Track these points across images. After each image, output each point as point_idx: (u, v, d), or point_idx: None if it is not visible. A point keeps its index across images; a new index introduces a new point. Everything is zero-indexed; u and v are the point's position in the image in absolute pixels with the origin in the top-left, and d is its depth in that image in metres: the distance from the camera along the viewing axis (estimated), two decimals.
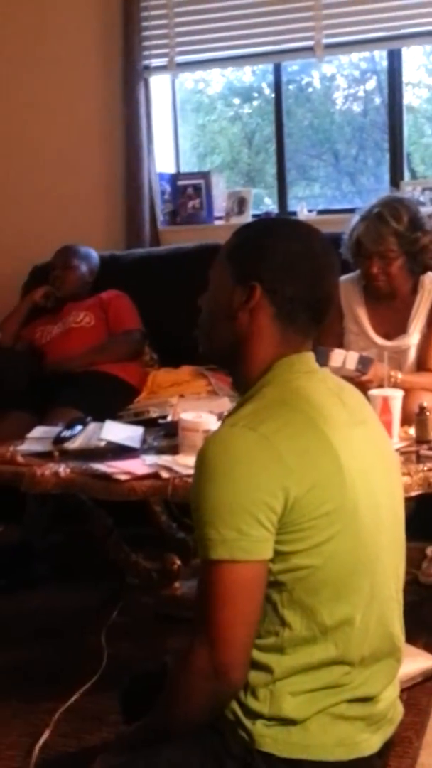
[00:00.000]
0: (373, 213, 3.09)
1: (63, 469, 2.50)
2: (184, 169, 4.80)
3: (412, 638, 2.47)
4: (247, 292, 1.49)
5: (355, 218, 3.18)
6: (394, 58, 4.31)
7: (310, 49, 4.23)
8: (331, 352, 2.74)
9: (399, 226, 3.06)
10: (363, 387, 2.65)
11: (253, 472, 1.34)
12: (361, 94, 4.83)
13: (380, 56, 4.46)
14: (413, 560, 2.99)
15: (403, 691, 2.24)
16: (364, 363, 2.79)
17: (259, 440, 1.36)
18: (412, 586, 2.90)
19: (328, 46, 4.21)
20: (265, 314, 1.49)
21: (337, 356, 2.76)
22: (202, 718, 1.42)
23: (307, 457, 1.37)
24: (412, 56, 4.51)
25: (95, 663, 2.64)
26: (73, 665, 2.68)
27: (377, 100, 4.65)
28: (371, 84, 4.75)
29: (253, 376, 1.50)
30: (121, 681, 1.86)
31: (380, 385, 2.74)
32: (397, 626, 1.53)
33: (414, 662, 2.37)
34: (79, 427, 2.78)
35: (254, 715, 1.41)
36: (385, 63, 4.37)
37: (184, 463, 2.40)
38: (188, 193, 4.54)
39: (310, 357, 1.54)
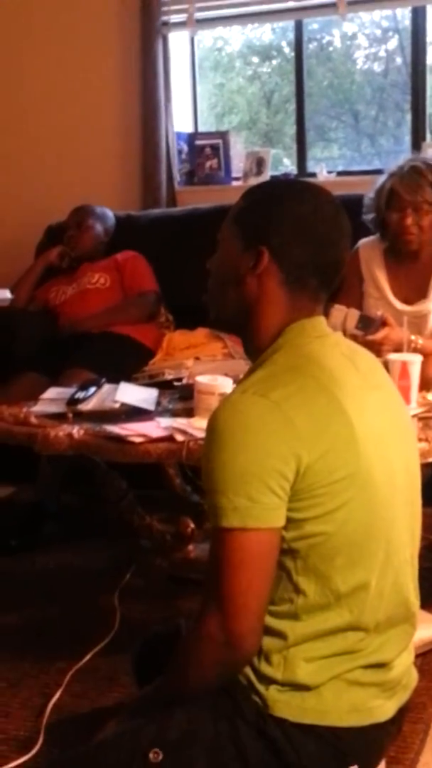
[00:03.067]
0: (407, 167, 3.07)
1: (77, 431, 2.48)
2: (201, 128, 4.73)
3: (427, 604, 2.47)
4: (255, 257, 1.46)
5: (383, 177, 3.15)
6: (418, 16, 4.21)
7: (332, 5, 4.13)
8: (332, 309, 2.69)
9: None
10: (377, 350, 2.63)
11: (264, 439, 1.32)
12: (382, 53, 4.74)
13: (402, 15, 4.36)
14: (429, 526, 2.96)
15: (417, 656, 2.24)
16: (365, 322, 2.73)
17: (270, 407, 1.34)
18: (429, 552, 2.88)
19: (351, 3, 4.12)
20: (273, 279, 1.47)
21: (338, 313, 2.71)
22: (214, 683, 1.42)
23: (320, 424, 1.35)
24: None
25: (108, 624, 2.65)
26: (86, 626, 2.69)
27: (398, 60, 4.56)
28: (393, 43, 4.65)
29: (264, 342, 1.48)
30: (134, 643, 1.85)
31: (398, 350, 2.71)
32: (412, 592, 1.52)
33: (429, 628, 2.36)
34: (93, 389, 2.76)
35: (268, 681, 1.41)
36: (407, 22, 4.29)
37: (199, 426, 2.38)
38: (206, 153, 4.49)
39: (321, 321, 1.51)
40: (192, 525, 2.92)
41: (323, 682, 1.39)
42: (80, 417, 2.62)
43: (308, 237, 1.46)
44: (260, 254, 1.46)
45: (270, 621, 1.39)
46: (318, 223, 1.46)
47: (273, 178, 4.34)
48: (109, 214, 4.16)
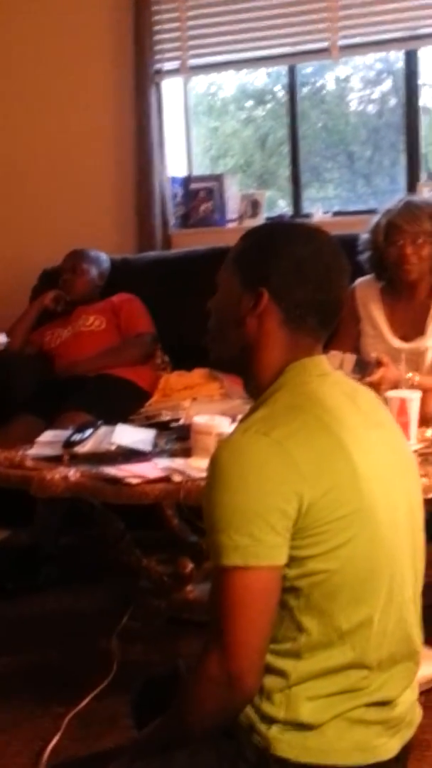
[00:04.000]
0: (403, 203, 3.12)
1: (73, 473, 2.47)
2: (196, 172, 4.78)
3: (430, 641, 2.46)
4: (255, 298, 1.47)
5: (378, 216, 3.20)
6: (411, 59, 4.28)
7: (326, 50, 4.21)
8: (328, 355, 2.70)
9: (431, 210, 3.10)
10: (375, 391, 2.63)
11: (266, 477, 1.32)
12: (375, 95, 4.80)
13: (396, 57, 4.43)
14: None
15: (422, 693, 2.20)
16: (362, 366, 2.76)
17: (272, 445, 1.33)
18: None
19: (344, 48, 4.19)
20: (273, 319, 1.47)
21: (333, 358, 2.72)
22: (215, 724, 1.40)
23: (321, 462, 1.35)
24: (429, 56, 4.48)
25: (106, 667, 2.62)
26: (84, 669, 2.66)
27: (392, 101, 4.62)
28: (387, 85, 4.72)
29: (265, 381, 1.48)
30: (133, 685, 1.83)
31: (396, 387, 2.71)
32: (416, 629, 1.50)
33: None
34: (89, 431, 2.75)
35: (270, 720, 1.38)
36: (400, 64, 4.35)
37: (197, 466, 2.37)
38: (200, 197, 4.53)
39: (322, 360, 1.51)
40: (190, 565, 2.90)
41: (326, 720, 1.37)
42: (77, 459, 2.61)
43: (307, 277, 1.46)
44: (260, 295, 1.46)
45: (272, 660, 1.38)
46: (317, 264, 1.47)
47: (268, 219, 4.38)
48: (104, 257, 4.18)
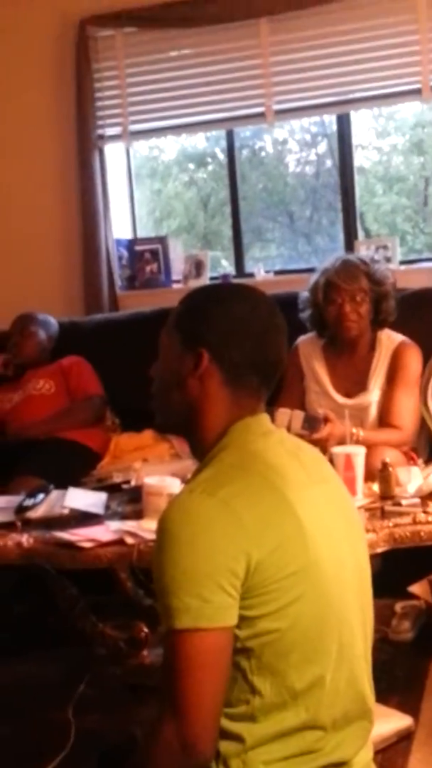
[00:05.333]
0: (340, 261, 3.19)
1: (26, 539, 2.47)
2: (141, 233, 4.84)
3: (384, 698, 2.46)
4: (195, 359, 1.49)
5: (316, 275, 3.26)
6: (343, 122, 4.41)
7: (261, 115, 4.32)
8: (276, 412, 2.75)
9: (367, 268, 3.19)
10: (323, 447, 2.68)
11: (214, 537, 1.33)
12: (312, 157, 4.92)
13: (330, 120, 4.55)
14: (383, 617, 2.96)
15: (377, 753, 2.22)
16: (311, 422, 2.79)
17: (218, 505, 1.35)
18: (383, 644, 2.87)
19: (279, 112, 4.31)
20: (214, 380, 1.50)
21: (282, 416, 2.76)
22: None
23: (268, 520, 1.36)
24: (361, 119, 4.62)
25: (63, 738, 2.57)
26: (40, 741, 2.60)
27: (328, 163, 4.74)
28: (322, 147, 4.84)
29: (210, 442, 1.50)
30: (91, 757, 1.80)
31: (342, 443, 2.75)
32: (368, 686, 1.51)
33: (387, 722, 2.33)
34: (41, 495, 2.75)
35: None
36: (335, 127, 4.47)
37: (149, 527, 2.38)
38: (146, 258, 4.58)
39: (265, 418, 1.54)
40: (145, 630, 2.88)
41: None
42: (29, 525, 2.60)
43: (245, 337, 1.49)
44: (200, 356, 1.49)
45: (227, 724, 1.38)
46: (254, 323, 1.50)
47: (212, 279, 4.44)
48: (52, 320, 4.20)
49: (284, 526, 1.37)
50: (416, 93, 4.08)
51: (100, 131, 4.52)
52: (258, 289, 1.59)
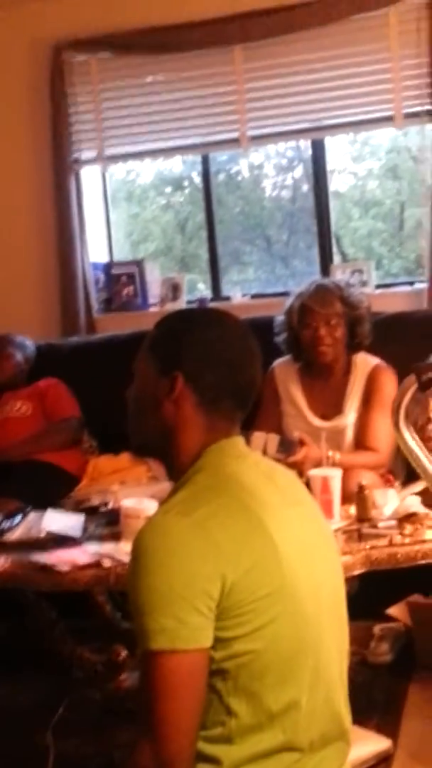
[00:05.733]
0: (314, 285, 3.22)
1: (3, 562, 2.46)
2: (118, 257, 4.86)
3: (363, 720, 2.47)
4: (170, 382, 1.51)
5: (291, 299, 3.28)
6: (318, 148, 4.45)
7: (235, 140, 4.36)
8: (251, 436, 2.77)
9: (341, 292, 3.22)
10: (299, 470, 2.71)
11: (189, 559, 1.34)
12: (289, 181, 4.97)
13: (306, 145, 4.60)
14: (361, 640, 2.97)
15: None
16: (286, 446, 2.81)
17: (192, 526, 1.36)
18: (361, 667, 2.87)
19: (253, 138, 4.35)
20: (189, 403, 1.51)
21: (258, 439, 2.78)
22: None
23: (242, 541, 1.38)
24: (337, 144, 4.67)
25: (42, 762, 2.55)
26: (19, 766, 2.59)
27: (305, 187, 4.79)
28: (298, 171, 4.89)
29: (185, 464, 1.51)
30: None
31: (318, 466, 2.77)
32: (344, 707, 1.52)
33: (366, 745, 2.34)
34: (18, 518, 2.75)
35: None
36: (311, 151, 4.52)
37: (127, 550, 2.35)
38: (122, 281, 4.60)
39: (240, 441, 1.55)
40: (124, 653, 2.87)
41: None
42: (6, 547, 2.59)
43: (218, 360, 1.51)
44: (175, 379, 1.51)
45: (203, 747, 1.38)
46: (227, 347, 1.53)
47: (189, 302, 4.46)
48: (29, 342, 4.20)
49: (259, 548, 1.39)
50: (389, 120, 4.14)
51: (75, 155, 4.54)
52: (232, 314, 1.61)
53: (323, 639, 1.46)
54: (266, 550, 1.39)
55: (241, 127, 4.32)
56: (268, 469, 1.56)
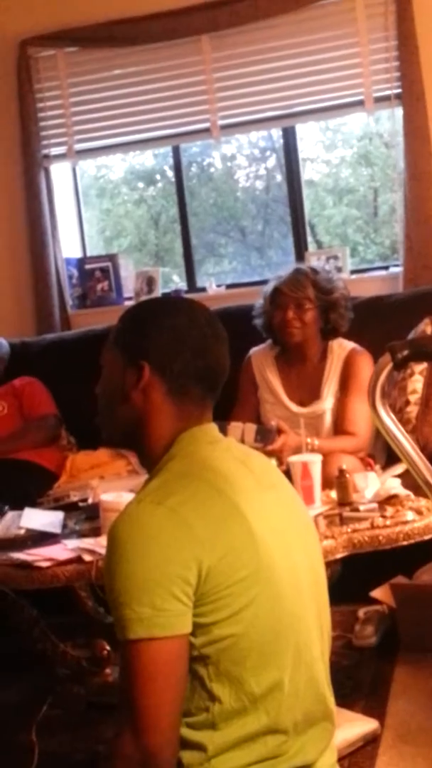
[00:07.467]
0: (291, 270, 3.22)
1: None
2: (92, 252, 4.83)
3: (349, 702, 2.47)
4: (137, 372, 1.50)
5: (270, 284, 3.29)
6: (289, 135, 4.44)
7: (206, 130, 4.34)
8: (228, 427, 2.76)
9: (315, 277, 3.22)
10: (279, 458, 2.69)
11: (164, 546, 1.33)
12: (262, 171, 4.96)
13: (278, 135, 4.59)
14: (345, 623, 2.97)
15: (345, 757, 2.21)
16: (264, 434, 2.81)
17: (167, 513, 1.35)
18: (347, 650, 2.87)
19: (224, 127, 4.33)
20: (157, 391, 1.50)
21: (235, 429, 2.78)
22: None
23: (217, 526, 1.37)
24: (308, 132, 4.66)
25: (27, 760, 2.53)
26: (4, 764, 2.56)
27: (279, 177, 4.78)
28: (272, 161, 4.88)
29: (157, 453, 1.51)
30: None
31: (297, 452, 2.76)
32: (327, 688, 1.51)
33: (353, 727, 2.32)
34: None
35: None
36: (282, 141, 4.50)
37: None
38: (96, 276, 4.57)
39: (212, 427, 1.55)
40: (107, 647, 2.85)
41: None
42: None
43: (184, 346, 1.50)
44: (141, 369, 1.50)
45: (188, 733, 1.37)
46: (192, 333, 1.51)
47: (165, 294, 4.44)
48: (3, 342, 4.17)
49: (234, 532, 1.38)
50: (359, 104, 4.12)
51: (45, 151, 4.51)
52: (195, 301, 1.61)
53: (303, 620, 1.45)
54: (241, 533, 1.38)
55: (211, 116, 4.30)
56: (241, 454, 1.55)
